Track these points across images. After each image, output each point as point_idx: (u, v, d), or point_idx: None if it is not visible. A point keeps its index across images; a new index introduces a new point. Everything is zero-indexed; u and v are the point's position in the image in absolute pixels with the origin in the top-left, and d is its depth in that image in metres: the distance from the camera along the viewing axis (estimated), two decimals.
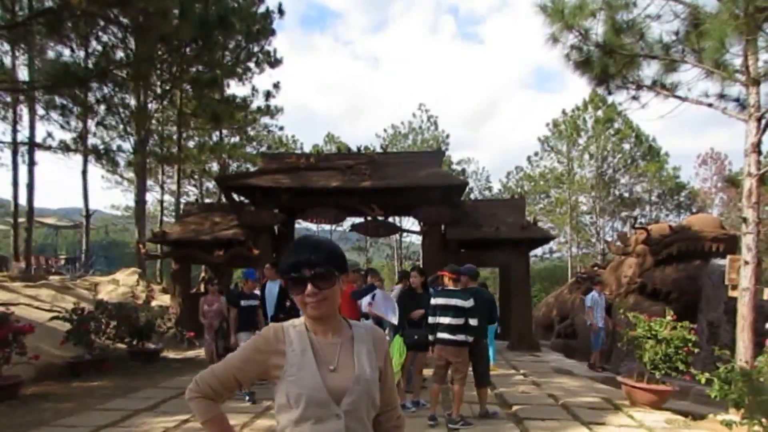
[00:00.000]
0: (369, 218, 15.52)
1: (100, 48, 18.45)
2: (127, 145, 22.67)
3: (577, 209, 39.83)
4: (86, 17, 13.40)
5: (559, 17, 8.80)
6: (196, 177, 33.33)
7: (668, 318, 8.13)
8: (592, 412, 7.66)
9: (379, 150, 31.87)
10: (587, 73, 9.43)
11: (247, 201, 16.71)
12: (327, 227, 36.06)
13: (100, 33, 17.82)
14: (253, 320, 8.55)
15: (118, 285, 18.26)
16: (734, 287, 8.06)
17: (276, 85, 27.62)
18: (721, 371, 6.26)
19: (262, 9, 23.12)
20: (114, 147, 21.91)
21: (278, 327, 1.81)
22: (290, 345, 1.75)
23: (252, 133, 33.36)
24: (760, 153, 7.74)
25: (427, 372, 8.45)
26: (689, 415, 7.58)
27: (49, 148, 18.48)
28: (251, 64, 24.45)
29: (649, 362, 7.87)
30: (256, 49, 23.78)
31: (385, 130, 42.74)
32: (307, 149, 39.76)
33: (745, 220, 7.67)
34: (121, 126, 22.22)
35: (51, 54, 14.62)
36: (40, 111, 19.47)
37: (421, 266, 11.99)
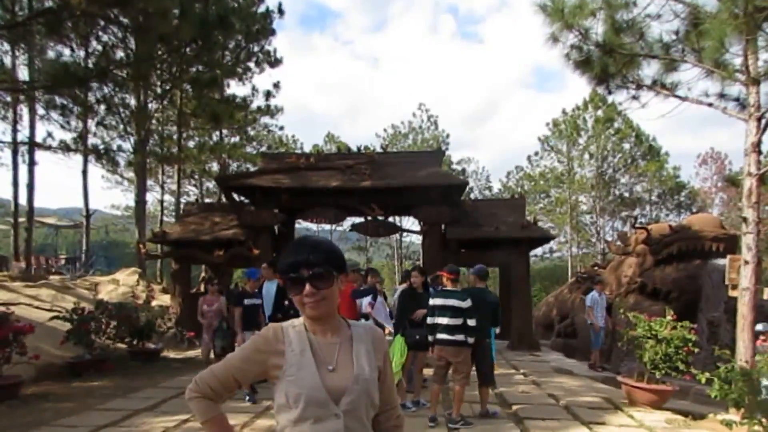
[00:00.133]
0: (369, 218, 15.52)
1: (100, 48, 18.46)
2: (127, 145, 22.66)
3: (577, 209, 39.81)
4: (86, 17, 13.39)
5: (558, 17, 8.79)
6: (196, 177, 33.34)
7: (668, 318, 8.13)
8: (592, 412, 7.66)
9: (379, 150, 31.85)
10: (587, 73, 9.42)
11: (247, 201, 16.71)
12: (327, 227, 36.15)
13: (100, 33, 17.81)
14: (256, 319, 8.55)
15: (119, 285, 18.26)
16: (734, 287, 8.05)
17: (276, 85, 27.65)
18: (721, 371, 6.26)
19: (261, 9, 23.12)
20: (114, 147, 21.89)
21: (277, 327, 1.81)
22: (289, 345, 1.75)
23: (252, 132, 33.37)
24: (760, 153, 7.74)
25: (428, 372, 8.45)
26: (689, 415, 7.58)
27: (49, 147, 18.48)
28: (251, 64, 24.46)
29: (649, 362, 7.87)
30: (256, 48, 23.78)
31: (385, 130, 42.82)
32: (307, 149, 39.81)
33: (745, 219, 7.67)
34: (121, 126, 22.22)
35: (51, 54, 14.61)
36: (40, 111, 19.48)
37: (422, 266, 11.99)
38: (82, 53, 18.23)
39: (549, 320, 18.29)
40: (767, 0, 6.90)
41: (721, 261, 11.69)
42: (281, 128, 35.57)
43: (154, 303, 15.05)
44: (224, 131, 29.79)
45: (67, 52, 16.33)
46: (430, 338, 7.11)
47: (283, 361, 1.72)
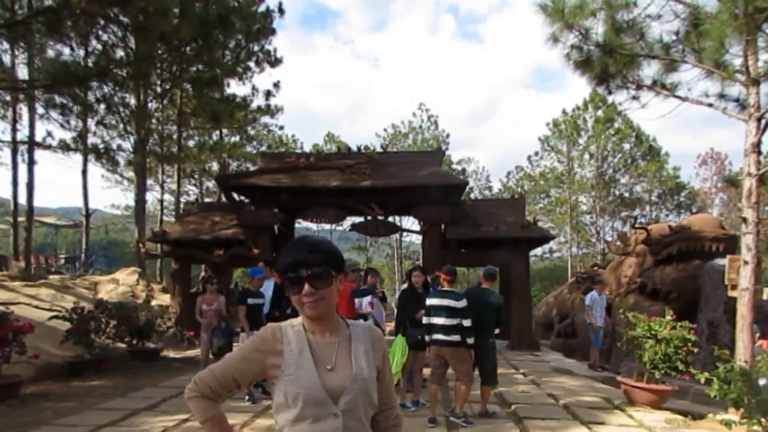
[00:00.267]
0: (369, 218, 15.52)
1: (99, 47, 18.45)
2: (127, 145, 22.68)
3: (577, 209, 39.82)
4: (86, 16, 13.39)
5: (559, 17, 8.79)
6: (196, 176, 33.34)
7: (668, 318, 8.13)
8: (592, 412, 7.66)
9: (379, 149, 31.87)
10: (587, 73, 9.43)
11: (247, 200, 16.71)
12: (327, 227, 36.16)
13: (100, 32, 17.81)
14: (259, 319, 8.55)
15: (118, 284, 18.28)
16: (734, 287, 8.06)
17: (276, 85, 27.67)
18: (720, 371, 6.26)
19: (262, 8, 23.13)
20: (114, 146, 21.92)
21: (276, 327, 1.81)
22: (288, 345, 1.75)
23: (252, 132, 33.38)
24: (759, 153, 7.74)
25: (428, 371, 8.46)
26: (689, 415, 7.59)
27: (48, 147, 18.48)
28: (251, 64, 24.50)
29: (649, 362, 7.87)
30: (256, 48, 23.81)
31: (385, 130, 42.86)
32: (307, 148, 39.83)
33: (744, 220, 7.67)
34: (121, 125, 22.23)
35: (51, 53, 14.59)
36: (40, 110, 19.47)
37: (422, 266, 11.99)
38: (81, 52, 18.22)
39: (549, 320, 18.30)
40: (767, 1, 6.90)
41: (720, 261, 11.68)
42: (281, 128, 35.60)
43: (153, 302, 15.05)
44: (224, 131, 29.80)
45: (66, 51, 16.31)
46: (426, 338, 7.13)
47: (281, 361, 1.73)
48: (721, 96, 8.61)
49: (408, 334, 7.65)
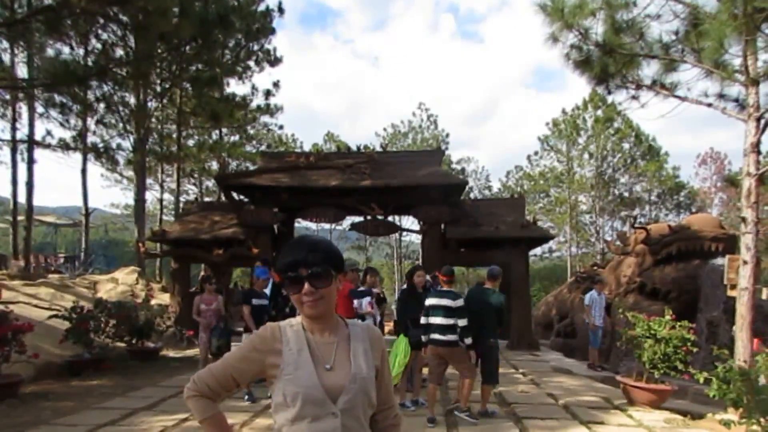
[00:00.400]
0: (368, 217, 15.52)
1: (99, 46, 18.46)
2: (127, 144, 22.70)
3: (576, 208, 39.84)
4: (86, 15, 13.39)
5: (558, 16, 8.79)
6: (195, 176, 33.37)
7: (667, 317, 8.13)
8: (591, 412, 7.67)
9: (378, 149, 31.87)
10: (587, 73, 9.43)
11: (246, 200, 16.71)
12: (326, 226, 36.17)
13: (99, 31, 17.82)
14: (262, 319, 8.54)
15: (118, 284, 18.28)
16: (733, 287, 8.06)
17: (276, 84, 27.69)
18: (719, 370, 6.26)
19: (261, 7, 23.13)
20: (113, 145, 21.93)
21: (275, 326, 1.82)
22: (287, 344, 1.76)
23: (252, 131, 33.42)
24: (759, 153, 7.74)
25: (428, 371, 8.46)
26: (688, 415, 7.59)
27: (48, 146, 18.48)
28: (251, 63, 24.52)
29: (648, 361, 7.88)
30: (255, 47, 23.83)
31: (384, 129, 42.89)
32: (307, 148, 39.84)
33: (744, 219, 7.68)
34: (121, 124, 22.24)
35: (50, 52, 14.59)
36: (40, 109, 19.48)
37: (422, 265, 11.98)
38: (81, 51, 18.23)
39: (548, 320, 18.31)
40: (766, 1, 6.90)
41: (720, 261, 11.70)
42: (281, 127, 35.73)
43: (153, 302, 15.06)
44: (224, 130, 29.83)
45: (66, 50, 16.32)
46: (423, 338, 7.14)
47: (280, 360, 1.73)
48: (721, 96, 8.61)
49: (410, 334, 7.65)
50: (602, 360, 12.84)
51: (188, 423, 6.76)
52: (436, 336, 6.92)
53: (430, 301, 7.07)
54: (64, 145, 17.78)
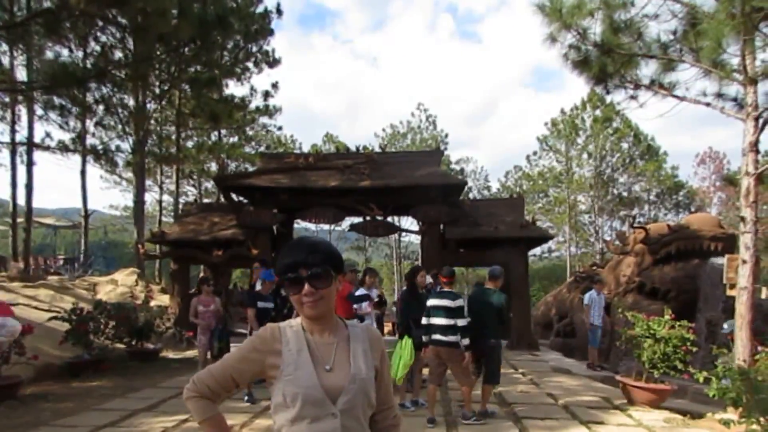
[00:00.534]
0: (368, 218, 15.53)
1: (98, 48, 18.48)
2: (126, 145, 22.71)
3: (575, 208, 39.89)
4: (85, 17, 13.40)
5: (557, 17, 8.80)
6: (194, 177, 33.38)
7: (666, 317, 8.14)
8: (591, 411, 7.67)
9: (377, 150, 31.88)
10: (585, 73, 9.43)
11: (246, 201, 16.71)
12: (326, 227, 36.17)
13: (98, 33, 17.84)
14: (267, 322, 8.50)
15: (117, 285, 18.27)
16: (732, 286, 8.07)
17: (274, 85, 27.72)
18: (719, 370, 6.26)
19: (260, 9, 23.15)
20: (113, 147, 21.97)
21: (275, 327, 1.82)
22: (287, 344, 1.76)
23: (251, 133, 33.44)
24: (757, 152, 7.75)
25: (427, 371, 8.45)
26: (688, 414, 7.60)
27: (47, 148, 18.48)
28: (250, 64, 24.53)
29: (648, 361, 7.88)
30: (254, 48, 23.84)
31: (383, 130, 42.86)
32: (306, 149, 39.86)
33: (743, 219, 7.68)
34: (120, 126, 22.24)
35: (49, 54, 14.60)
36: (39, 111, 19.48)
37: (421, 266, 11.98)
38: (80, 54, 18.24)
39: (548, 319, 18.31)
40: (765, 0, 6.91)
41: (719, 260, 11.71)
42: (280, 128, 35.70)
43: (152, 303, 15.05)
44: (223, 131, 29.85)
45: (65, 52, 16.34)
46: (424, 338, 7.15)
47: (280, 361, 1.73)
48: (719, 95, 8.61)
49: (413, 335, 7.63)
50: (602, 360, 12.84)
51: (188, 424, 6.76)
52: (437, 336, 6.93)
53: (431, 302, 7.10)
54: (63, 147, 17.79)
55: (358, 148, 21.90)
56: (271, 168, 16.05)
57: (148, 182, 29.89)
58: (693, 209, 36.21)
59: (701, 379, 6.51)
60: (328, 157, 18.07)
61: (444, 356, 6.95)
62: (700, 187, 39.88)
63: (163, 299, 17.28)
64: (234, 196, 16.77)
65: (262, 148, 33.70)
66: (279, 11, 23.10)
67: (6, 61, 17.39)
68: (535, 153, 41.45)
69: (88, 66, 16.35)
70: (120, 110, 21.64)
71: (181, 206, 24.89)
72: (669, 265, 13.76)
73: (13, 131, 20.37)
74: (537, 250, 38.22)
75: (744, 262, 7.57)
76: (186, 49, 17.85)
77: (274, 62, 24.62)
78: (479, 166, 46.79)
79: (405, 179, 15.08)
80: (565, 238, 40.35)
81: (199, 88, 19.00)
